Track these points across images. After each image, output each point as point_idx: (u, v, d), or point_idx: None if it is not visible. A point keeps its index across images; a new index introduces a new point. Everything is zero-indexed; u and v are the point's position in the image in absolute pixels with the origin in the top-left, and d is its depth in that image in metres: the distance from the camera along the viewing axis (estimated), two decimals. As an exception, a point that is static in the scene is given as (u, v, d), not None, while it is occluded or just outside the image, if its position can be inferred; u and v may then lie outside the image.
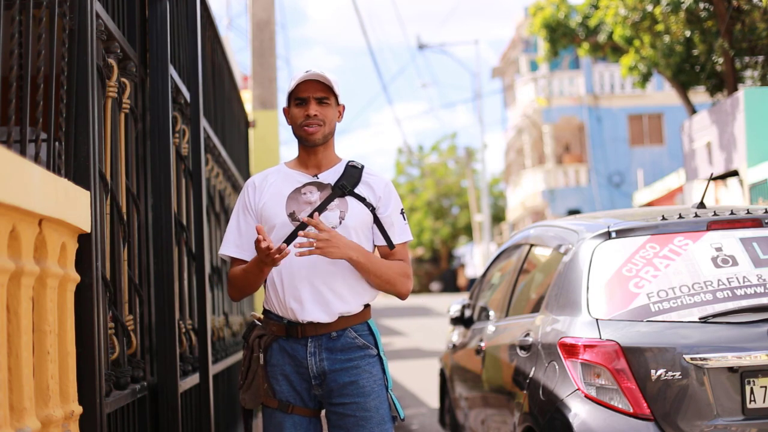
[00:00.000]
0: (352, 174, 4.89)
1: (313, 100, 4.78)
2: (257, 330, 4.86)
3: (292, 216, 4.75)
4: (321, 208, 4.76)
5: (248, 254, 4.81)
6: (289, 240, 4.73)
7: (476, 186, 64.05)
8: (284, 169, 4.93)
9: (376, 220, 4.89)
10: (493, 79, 57.71)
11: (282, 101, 26.61)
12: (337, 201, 4.81)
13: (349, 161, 4.96)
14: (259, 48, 17.31)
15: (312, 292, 4.73)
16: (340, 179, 4.85)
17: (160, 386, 5.68)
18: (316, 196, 4.80)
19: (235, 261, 4.88)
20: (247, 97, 16.83)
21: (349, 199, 4.82)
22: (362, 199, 4.84)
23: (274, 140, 16.71)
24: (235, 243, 4.86)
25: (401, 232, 4.94)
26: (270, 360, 4.79)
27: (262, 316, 4.94)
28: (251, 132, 15.31)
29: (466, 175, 67.35)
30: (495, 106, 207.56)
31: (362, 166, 4.95)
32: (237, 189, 10.53)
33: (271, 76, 17.20)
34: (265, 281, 4.86)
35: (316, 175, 4.86)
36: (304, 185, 4.83)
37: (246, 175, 12.75)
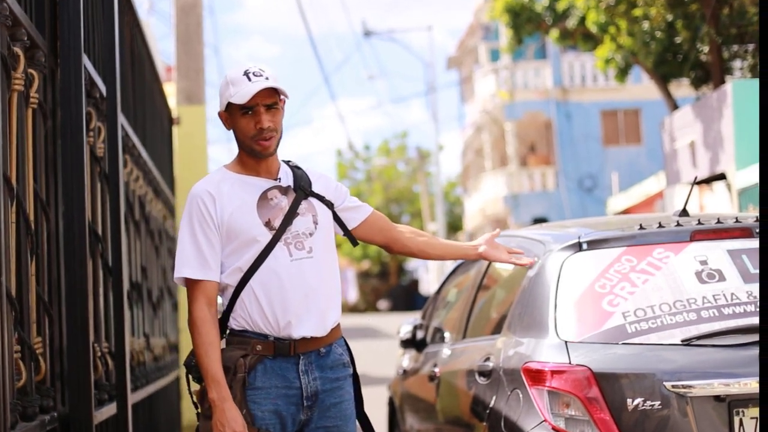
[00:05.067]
0: (301, 175, 5.02)
1: (262, 107, 4.78)
2: (237, 350, 4.77)
3: (268, 224, 4.79)
4: (292, 214, 4.86)
5: (213, 274, 4.78)
6: (268, 250, 4.77)
7: (429, 191, 64.09)
8: (232, 174, 4.92)
9: (335, 215, 5.08)
10: (449, 70, 57.98)
11: (211, 95, 26.52)
12: (304, 204, 4.92)
13: (287, 161, 5.09)
14: (185, 34, 17.26)
15: (305, 302, 4.81)
16: (296, 181, 4.97)
17: (73, 417, 5.65)
18: (284, 201, 4.89)
19: (198, 284, 4.76)
20: (170, 90, 16.79)
21: (312, 200, 4.97)
22: (321, 198, 5.00)
23: (201, 138, 16.65)
24: (199, 264, 4.75)
25: (364, 204, 5.25)
26: (254, 383, 4.75)
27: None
28: (175, 129, 15.27)
29: (418, 179, 67.39)
30: (451, 100, 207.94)
31: (299, 166, 5.11)
32: (159, 194, 10.50)
33: (198, 66, 17.15)
34: (235, 296, 4.84)
35: (277, 179, 4.94)
36: (268, 190, 4.88)
37: (170, 178, 12.71)
